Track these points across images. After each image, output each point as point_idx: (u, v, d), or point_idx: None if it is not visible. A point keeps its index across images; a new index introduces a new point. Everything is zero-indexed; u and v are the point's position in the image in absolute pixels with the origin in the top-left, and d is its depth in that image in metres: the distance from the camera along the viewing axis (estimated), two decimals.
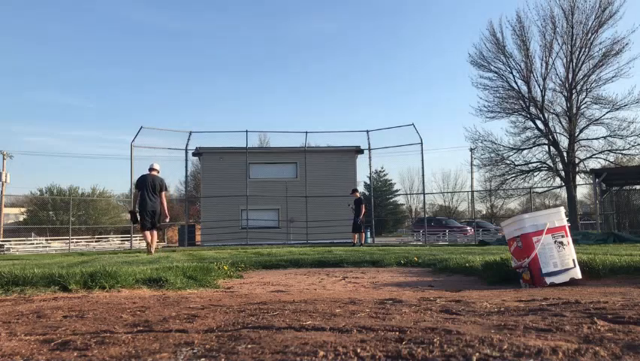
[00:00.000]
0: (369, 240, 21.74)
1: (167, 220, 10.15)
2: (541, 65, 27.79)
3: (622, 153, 26.94)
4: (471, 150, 35.43)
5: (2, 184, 34.61)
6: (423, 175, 21.73)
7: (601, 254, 5.66)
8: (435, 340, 1.49)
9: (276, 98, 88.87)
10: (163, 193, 9.63)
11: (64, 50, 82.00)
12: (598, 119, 27.09)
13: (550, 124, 27.86)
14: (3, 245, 22.09)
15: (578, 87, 27.19)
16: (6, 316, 2.43)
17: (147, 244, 9.66)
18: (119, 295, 3.70)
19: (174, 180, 55.36)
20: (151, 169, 9.89)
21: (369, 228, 22.56)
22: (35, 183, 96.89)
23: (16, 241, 25.09)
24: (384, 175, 51.74)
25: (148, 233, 9.57)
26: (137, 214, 9.53)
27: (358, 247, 13.96)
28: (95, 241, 27.52)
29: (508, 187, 30.00)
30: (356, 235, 15.95)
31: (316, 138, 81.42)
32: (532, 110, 28.17)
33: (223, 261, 6.87)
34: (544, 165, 28.43)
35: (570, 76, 27.12)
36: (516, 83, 28.34)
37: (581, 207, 37.66)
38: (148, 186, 9.51)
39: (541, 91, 27.78)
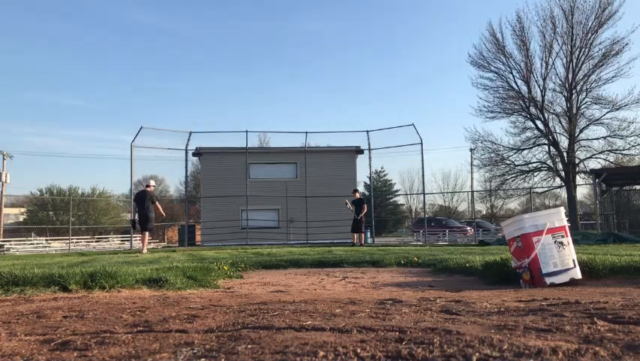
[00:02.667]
0: (369, 240, 21.74)
1: (164, 215, 13.46)
2: (541, 65, 27.83)
3: (622, 153, 26.94)
4: (471, 150, 35.44)
5: (2, 184, 34.58)
6: (423, 175, 21.71)
7: (601, 254, 5.66)
8: (435, 340, 1.49)
9: (276, 98, 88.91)
10: (156, 203, 12.47)
11: (64, 50, 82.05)
12: (598, 120, 27.10)
13: (550, 124, 27.89)
14: (3, 245, 22.07)
15: (578, 87, 27.19)
16: (6, 316, 2.43)
17: (143, 243, 12.25)
18: (119, 296, 3.70)
19: (174, 180, 55.47)
20: (147, 185, 12.80)
21: (369, 228, 22.55)
22: (35, 183, 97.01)
23: (16, 241, 25.06)
24: (384, 175, 51.76)
25: (146, 234, 12.23)
26: (136, 222, 12.45)
27: (358, 247, 13.96)
28: (95, 241, 27.49)
29: (508, 187, 30.01)
30: (355, 235, 15.95)
31: (316, 138, 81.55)
32: (532, 110, 28.17)
33: (223, 261, 6.87)
34: (544, 166, 28.43)
35: (570, 76, 27.13)
36: (516, 84, 28.38)
37: (581, 208, 37.66)
38: (143, 200, 12.29)
39: (541, 91, 27.81)
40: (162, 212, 12.81)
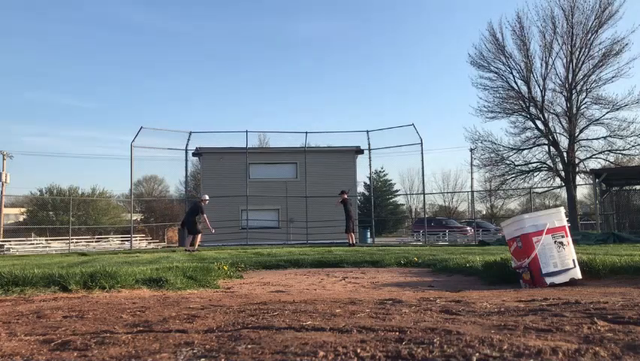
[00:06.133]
0: (369, 240, 21.74)
1: (213, 231, 14.77)
2: (541, 65, 27.79)
3: (622, 153, 26.91)
4: (471, 150, 35.36)
5: (2, 184, 34.55)
6: (423, 175, 21.75)
7: (601, 254, 5.66)
8: (435, 340, 1.49)
9: (276, 98, 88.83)
10: (204, 215, 14.25)
11: (63, 50, 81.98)
12: (598, 120, 27.06)
13: (550, 124, 27.86)
14: (3, 245, 22.06)
15: (578, 87, 27.17)
16: (6, 316, 2.43)
17: (192, 244, 13.89)
18: (119, 296, 3.70)
19: (174, 180, 55.45)
20: (201, 200, 14.76)
21: (368, 228, 22.54)
22: (35, 183, 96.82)
23: (16, 241, 25.04)
24: (384, 175, 51.74)
25: (198, 237, 14.12)
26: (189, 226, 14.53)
27: (348, 246, 14.07)
28: (95, 241, 27.46)
29: (508, 187, 29.99)
30: (351, 235, 15.92)
31: (316, 138, 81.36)
32: (532, 110, 28.14)
33: (223, 261, 6.87)
34: (544, 166, 28.41)
35: (570, 76, 27.10)
36: (516, 84, 28.33)
37: (581, 208, 37.58)
38: (194, 210, 14.48)
39: (541, 91, 27.78)
40: (209, 223, 14.29)
